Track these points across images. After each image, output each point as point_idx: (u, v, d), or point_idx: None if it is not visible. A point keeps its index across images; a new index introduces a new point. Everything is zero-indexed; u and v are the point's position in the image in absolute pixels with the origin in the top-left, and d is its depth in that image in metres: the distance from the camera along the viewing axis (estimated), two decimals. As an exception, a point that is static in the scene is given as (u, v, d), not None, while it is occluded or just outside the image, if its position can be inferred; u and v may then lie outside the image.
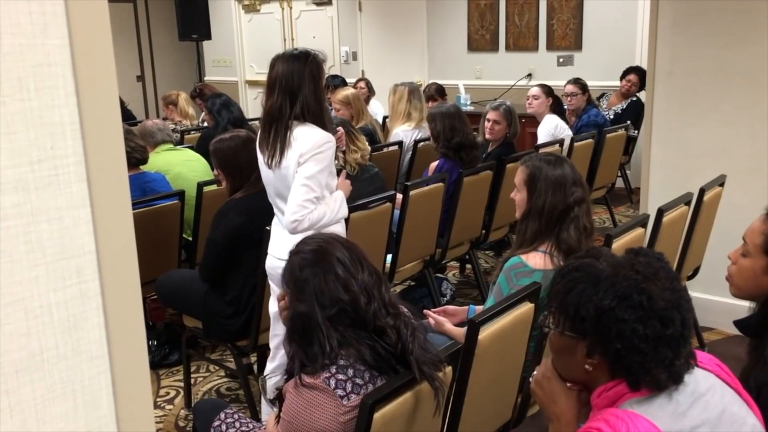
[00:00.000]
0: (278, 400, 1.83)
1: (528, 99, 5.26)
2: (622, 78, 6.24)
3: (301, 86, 2.39)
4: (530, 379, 1.56)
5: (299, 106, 2.39)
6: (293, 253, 1.82)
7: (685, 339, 1.33)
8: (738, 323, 1.88)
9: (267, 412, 2.59)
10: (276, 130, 2.41)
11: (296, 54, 2.43)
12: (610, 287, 1.32)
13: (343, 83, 6.32)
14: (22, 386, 0.76)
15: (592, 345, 1.34)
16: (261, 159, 2.52)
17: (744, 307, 2.03)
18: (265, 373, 2.71)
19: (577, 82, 5.71)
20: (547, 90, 5.25)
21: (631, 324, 1.29)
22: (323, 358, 1.66)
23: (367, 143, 3.98)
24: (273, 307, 2.63)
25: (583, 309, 1.33)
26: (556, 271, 1.47)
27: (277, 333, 2.64)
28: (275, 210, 2.59)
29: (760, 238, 1.80)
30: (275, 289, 2.61)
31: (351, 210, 3.06)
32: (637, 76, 6.09)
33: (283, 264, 2.46)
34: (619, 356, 1.30)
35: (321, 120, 2.44)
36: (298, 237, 2.42)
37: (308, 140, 2.38)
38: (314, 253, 1.78)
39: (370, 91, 6.52)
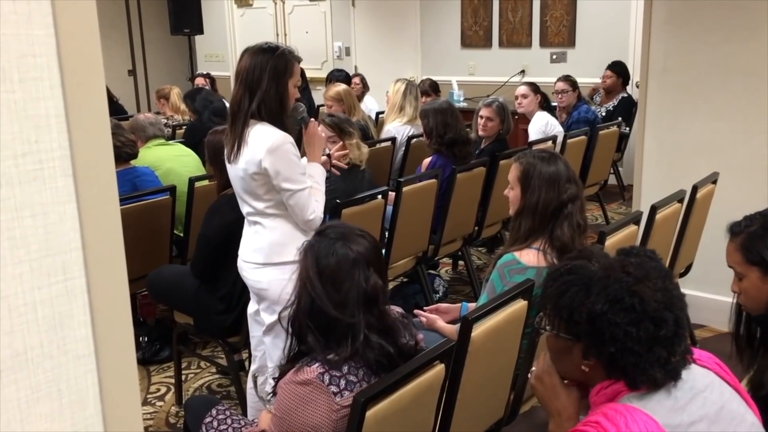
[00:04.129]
0: (273, 395, 1.81)
1: (517, 99, 5.23)
2: None
3: (260, 81, 2.28)
4: (529, 374, 1.56)
5: (256, 103, 2.29)
6: (318, 235, 1.80)
7: (680, 337, 1.33)
8: (751, 319, 1.92)
9: (252, 415, 2.58)
10: (235, 125, 2.33)
11: (264, 48, 2.33)
12: (601, 291, 1.32)
13: (347, 77, 6.30)
14: (6, 386, 0.74)
15: (587, 348, 1.34)
16: (225, 154, 2.44)
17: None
18: (249, 375, 2.69)
19: (567, 79, 5.70)
20: (535, 87, 5.24)
21: (623, 327, 1.29)
22: (349, 348, 1.67)
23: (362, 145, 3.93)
24: (251, 308, 2.61)
25: (576, 313, 1.33)
26: (548, 274, 1.47)
27: (254, 335, 2.62)
28: (240, 208, 2.51)
29: (738, 255, 1.85)
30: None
31: (344, 205, 3.05)
32: (612, 70, 6.09)
33: (244, 266, 2.47)
34: (614, 359, 1.31)
35: (279, 119, 2.33)
36: (259, 240, 2.42)
37: (263, 144, 2.28)
38: (338, 241, 1.75)
39: (365, 87, 6.51)
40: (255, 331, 2.61)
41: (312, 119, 2.60)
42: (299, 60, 2.39)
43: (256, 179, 2.33)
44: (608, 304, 1.30)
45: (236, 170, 2.38)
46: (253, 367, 2.65)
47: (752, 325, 1.92)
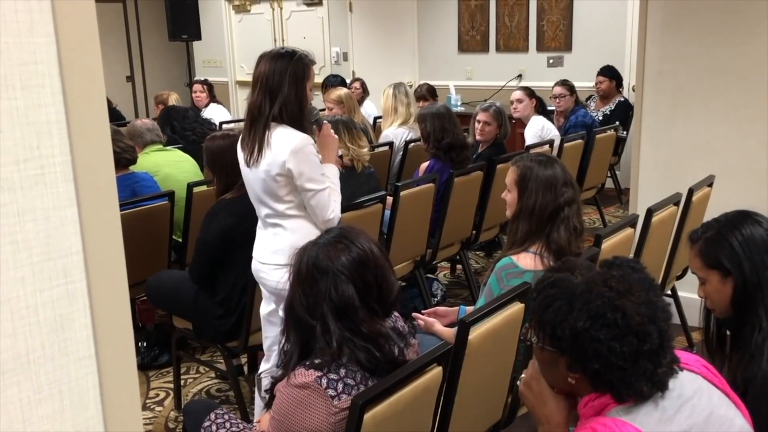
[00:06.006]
0: (270, 398, 1.82)
1: (512, 104, 5.24)
2: None
3: (281, 86, 2.34)
4: (518, 381, 1.55)
5: (278, 107, 2.35)
6: (311, 244, 1.81)
7: (665, 349, 1.31)
8: (719, 321, 1.94)
9: (259, 414, 2.58)
10: (255, 129, 2.38)
11: (282, 53, 2.40)
12: (583, 306, 1.30)
13: (343, 83, 6.33)
14: (8, 387, 0.75)
15: (571, 363, 1.33)
16: (241, 158, 2.49)
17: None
18: (259, 373, 2.70)
19: (565, 83, 5.71)
20: (530, 92, 5.25)
21: (607, 343, 1.27)
22: (329, 356, 1.67)
23: (366, 142, 3.97)
24: (263, 309, 2.63)
25: (558, 329, 1.32)
26: (534, 286, 1.46)
27: (268, 335, 2.63)
28: (256, 210, 2.55)
29: (698, 261, 1.87)
30: (266, 293, 2.60)
31: (344, 210, 3.06)
32: (604, 75, 6.10)
33: (263, 268, 2.48)
34: (598, 374, 1.30)
35: (299, 122, 2.39)
36: (279, 242, 2.44)
37: (287, 145, 2.33)
38: (324, 248, 1.77)
39: (365, 92, 6.52)
40: (269, 332, 2.62)
41: (325, 121, 2.64)
42: (314, 63, 2.46)
43: (279, 180, 2.37)
44: (590, 320, 1.28)
45: (257, 173, 2.41)
46: (265, 366, 2.65)
47: (722, 328, 1.94)
